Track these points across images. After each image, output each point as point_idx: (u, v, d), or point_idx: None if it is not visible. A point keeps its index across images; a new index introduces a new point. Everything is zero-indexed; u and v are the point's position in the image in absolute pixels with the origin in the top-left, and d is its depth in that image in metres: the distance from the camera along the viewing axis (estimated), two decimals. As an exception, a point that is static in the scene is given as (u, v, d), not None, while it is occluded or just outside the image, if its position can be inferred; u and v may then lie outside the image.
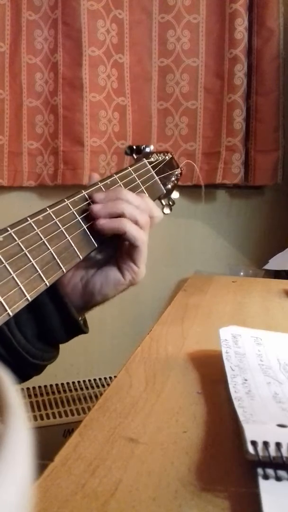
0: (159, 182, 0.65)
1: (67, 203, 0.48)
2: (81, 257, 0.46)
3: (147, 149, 0.68)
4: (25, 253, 0.40)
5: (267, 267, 1.17)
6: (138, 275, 0.53)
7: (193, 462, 0.34)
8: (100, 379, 1.50)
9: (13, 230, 0.39)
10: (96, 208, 0.49)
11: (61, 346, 0.58)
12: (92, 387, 1.46)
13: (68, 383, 1.47)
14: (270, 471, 0.30)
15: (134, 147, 0.68)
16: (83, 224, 0.48)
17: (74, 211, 0.48)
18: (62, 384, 1.46)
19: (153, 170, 0.64)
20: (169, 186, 0.68)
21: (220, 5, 1.36)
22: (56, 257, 0.43)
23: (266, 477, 0.30)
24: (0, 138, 1.33)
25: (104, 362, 1.50)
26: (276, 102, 1.39)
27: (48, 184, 1.39)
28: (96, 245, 0.49)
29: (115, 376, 0.49)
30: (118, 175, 0.56)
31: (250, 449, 0.31)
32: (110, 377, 1.48)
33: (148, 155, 0.66)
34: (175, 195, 0.70)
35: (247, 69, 1.36)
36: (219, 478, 0.32)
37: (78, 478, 0.32)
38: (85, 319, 0.58)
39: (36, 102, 1.39)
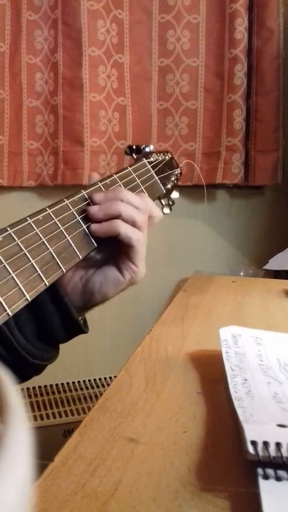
0: (159, 182, 0.65)
1: (66, 203, 0.48)
2: (80, 257, 0.46)
3: (147, 149, 0.68)
4: (24, 253, 0.40)
5: (267, 267, 1.17)
6: (137, 274, 0.53)
7: (193, 462, 0.34)
8: (100, 379, 1.50)
9: (12, 230, 0.39)
10: (92, 210, 0.49)
11: (61, 346, 0.58)
12: (92, 387, 1.46)
13: (68, 383, 1.47)
14: (270, 471, 0.30)
15: (134, 147, 0.67)
16: (82, 224, 0.48)
17: (73, 211, 0.48)
18: (62, 384, 1.46)
19: (153, 170, 0.64)
20: (169, 186, 0.68)
21: (220, 5, 1.36)
22: (56, 257, 0.43)
23: (266, 477, 0.30)
24: (0, 138, 1.33)
25: (104, 362, 1.50)
26: (276, 102, 1.39)
27: (48, 184, 1.39)
28: (95, 245, 0.49)
29: (115, 376, 0.49)
30: (117, 175, 0.56)
31: (250, 449, 0.31)
32: (110, 377, 1.48)
33: (148, 155, 0.66)
34: (175, 195, 0.70)
35: (247, 69, 1.36)
36: (219, 478, 0.32)
37: (78, 478, 0.32)
38: (85, 319, 0.58)
39: (36, 102, 1.39)
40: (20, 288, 0.37)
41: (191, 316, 0.74)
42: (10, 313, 0.36)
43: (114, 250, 0.53)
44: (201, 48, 1.39)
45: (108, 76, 1.37)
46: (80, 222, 0.48)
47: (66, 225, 0.46)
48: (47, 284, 0.41)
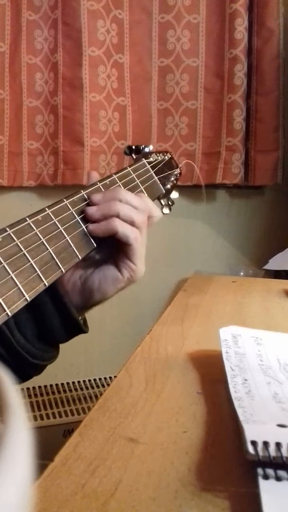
0: (158, 182, 0.65)
1: (66, 203, 0.48)
2: (80, 257, 0.46)
3: (146, 149, 0.68)
4: (24, 253, 0.40)
5: (267, 267, 1.17)
6: (136, 273, 0.53)
7: (193, 462, 0.34)
8: (100, 379, 1.50)
9: (12, 230, 0.40)
10: (91, 210, 0.49)
11: (61, 346, 0.58)
12: (92, 387, 1.46)
13: (68, 383, 1.47)
14: (270, 471, 0.30)
15: (133, 147, 0.68)
16: (82, 224, 0.48)
17: (73, 211, 0.48)
18: (62, 384, 1.46)
19: (152, 170, 0.64)
20: (168, 186, 0.68)
21: (220, 5, 1.36)
22: (55, 257, 0.43)
23: (266, 477, 0.30)
24: (0, 138, 1.33)
25: (104, 362, 1.50)
26: (276, 102, 1.39)
27: (48, 184, 1.39)
28: (95, 245, 0.49)
29: (115, 376, 0.49)
30: (117, 175, 0.56)
31: (250, 449, 0.31)
32: (110, 377, 1.48)
33: (147, 155, 0.66)
34: (174, 195, 0.70)
35: (247, 69, 1.36)
36: (219, 478, 0.32)
37: (78, 478, 0.32)
38: (85, 319, 0.58)
39: (36, 102, 1.39)
40: (19, 288, 0.37)
41: (191, 316, 0.74)
42: (9, 314, 0.36)
43: (113, 249, 0.53)
44: (201, 48, 1.39)
45: (108, 76, 1.37)
46: (79, 222, 0.48)
47: (65, 226, 0.46)
48: (46, 284, 0.41)
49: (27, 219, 0.42)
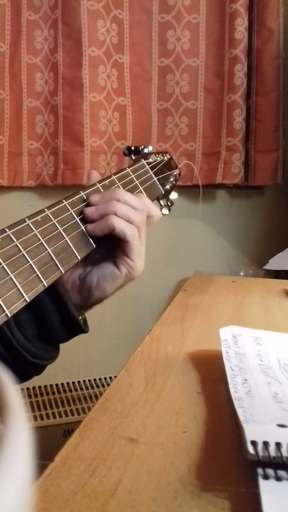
0: (157, 183, 0.65)
1: (65, 204, 0.48)
2: (79, 258, 0.47)
3: (146, 150, 0.68)
4: (23, 254, 0.40)
5: (267, 267, 1.17)
6: (134, 269, 0.53)
7: (193, 462, 0.34)
8: (100, 379, 1.50)
9: (11, 231, 0.40)
10: (89, 211, 0.49)
11: (61, 346, 0.58)
12: (92, 387, 1.46)
13: (68, 383, 1.47)
14: (270, 471, 0.30)
15: (133, 147, 0.68)
16: (81, 225, 0.48)
17: (72, 212, 0.48)
18: (62, 384, 1.46)
19: (152, 171, 0.64)
20: (168, 186, 0.68)
21: (220, 5, 1.36)
22: (54, 258, 0.43)
23: (266, 477, 0.30)
24: (0, 138, 1.33)
25: (104, 362, 1.50)
26: (276, 102, 1.39)
27: (48, 184, 1.39)
28: (94, 245, 0.49)
29: (115, 376, 0.49)
30: (116, 176, 0.57)
31: (250, 449, 0.31)
32: (110, 377, 1.48)
33: (146, 156, 0.66)
34: (173, 195, 0.70)
35: (247, 69, 1.36)
36: (219, 478, 0.32)
37: (78, 478, 0.32)
38: (85, 319, 0.58)
39: (36, 102, 1.39)
40: (18, 289, 0.37)
41: (191, 316, 0.74)
42: (8, 314, 0.36)
43: (111, 247, 0.53)
44: (201, 48, 1.39)
45: (108, 76, 1.37)
46: (78, 223, 0.48)
47: (64, 226, 0.46)
48: (45, 285, 0.41)
49: (26, 220, 0.42)
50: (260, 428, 0.34)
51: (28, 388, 1.40)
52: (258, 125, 1.41)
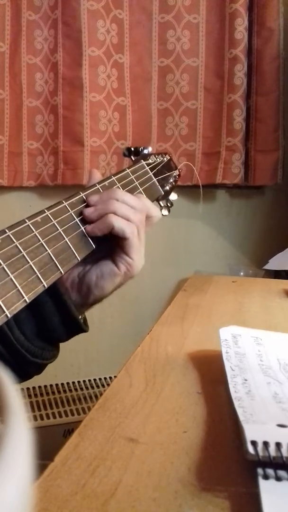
0: (157, 184, 0.65)
1: (65, 205, 0.48)
2: (79, 259, 0.47)
3: (145, 151, 0.68)
4: (23, 254, 0.40)
5: (267, 267, 1.17)
6: (132, 267, 0.53)
7: (193, 462, 0.34)
8: (100, 379, 1.50)
9: (11, 231, 0.40)
10: (88, 211, 0.50)
11: (61, 346, 0.58)
12: (92, 387, 1.46)
13: (68, 383, 1.47)
14: (270, 471, 0.30)
15: (132, 148, 0.68)
16: (80, 226, 0.49)
17: (72, 213, 0.48)
18: (62, 384, 1.46)
19: (151, 172, 0.64)
20: (167, 187, 0.68)
21: (220, 5, 1.36)
22: (54, 259, 0.43)
23: (266, 477, 0.30)
24: (0, 138, 1.33)
25: (104, 362, 1.50)
26: (276, 102, 1.39)
27: (48, 184, 1.40)
28: (94, 246, 0.49)
29: (115, 376, 0.49)
30: (116, 177, 0.57)
31: (250, 449, 0.31)
32: (110, 377, 1.48)
33: (146, 157, 0.66)
34: (173, 196, 0.70)
35: (247, 69, 1.36)
36: (219, 478, 0.32)
37: (78, 478, 0.32)
38: (85, 318, 0.58)
39: (36, 102, 1.39)
40: (18, 289, 0.38)
41: (191, 316, 0.74)
42: (8, 315, 0.36)
43: (110, 246, 0.54)
44: (201, 48, 1.39)
45: (108, 76, 1.37)
46: (78, 224, 0.48)
47: (64, 227, 0.46)
48: (45, 285, 0.41)
49: (26, 220, 0.42)
50: (260, 428, 0.34)
51: (28, 388, 1.40)
52: (258, 125, 1.41)
